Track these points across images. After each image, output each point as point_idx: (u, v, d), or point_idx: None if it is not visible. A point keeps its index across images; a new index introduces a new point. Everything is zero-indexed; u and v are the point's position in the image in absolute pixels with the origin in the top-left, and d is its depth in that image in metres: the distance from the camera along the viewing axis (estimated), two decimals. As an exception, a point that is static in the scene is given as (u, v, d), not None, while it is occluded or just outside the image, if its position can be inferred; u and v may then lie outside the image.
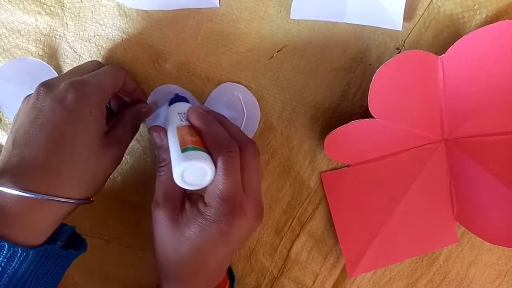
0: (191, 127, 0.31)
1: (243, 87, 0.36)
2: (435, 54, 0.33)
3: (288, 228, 0.40)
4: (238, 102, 0.36)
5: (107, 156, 0.30)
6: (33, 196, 0.26)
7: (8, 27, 0.35)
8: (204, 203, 0.29)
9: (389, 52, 0.35)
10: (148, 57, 0.35)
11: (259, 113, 0.37)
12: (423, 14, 0.34)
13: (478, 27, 0.33)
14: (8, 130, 0.38)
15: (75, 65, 0.36)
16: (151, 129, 0.32)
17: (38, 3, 0.34)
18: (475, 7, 0.34)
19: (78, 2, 0.34)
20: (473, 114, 0.35)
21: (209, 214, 0.28)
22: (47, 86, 0.28)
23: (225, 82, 0.36)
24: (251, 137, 0.37)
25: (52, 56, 0.35)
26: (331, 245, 0.41)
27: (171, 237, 0.29)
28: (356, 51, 0.36)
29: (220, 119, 0.31)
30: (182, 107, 0.33)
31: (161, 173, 0.31)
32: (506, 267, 0.43)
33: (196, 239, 0.29)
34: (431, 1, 0.34)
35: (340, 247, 0.40)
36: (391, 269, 0.43)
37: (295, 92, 0.37)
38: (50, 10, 0.34)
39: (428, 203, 0.40)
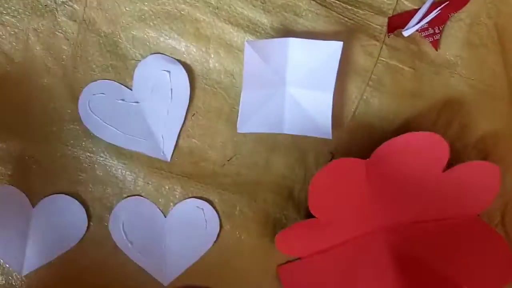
0: None
1: (206, 202, 0.41)
2: (364, 156, 0.39)
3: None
4: (200, 217, 0.40)
5: None
6: None
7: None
8: None
9: (325, 156, 0.41)
10: (114, 171, 0.39)
11: (219, 227, 0.41)
12: (349, 124, 0.41)
13: (394, 134, 0.39)
14: None
15: (41, 182, 0.38)
16: None
17: (10, 130, 0.38)
18: (390, 117, 0.40)
19: (47, 127, 0.38)
20: (399, 206, 0.40)
21: None
22: None
23: (183, 189, 0.40)
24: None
25: (21, 175, 0.38)
26: (291, 337, 0.43)
27: None
28: (296, 157, 0.41)
29: None
30: None
31: None
32: None
33: None
34: (354, 113, 0.40)
35: (300, 338, 0.42)
36: None
37: (247, 195, 0.41)
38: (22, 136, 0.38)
39: (378, 284, 0.44)
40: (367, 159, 0.38)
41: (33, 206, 0.39)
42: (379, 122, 0.40)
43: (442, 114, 0.40)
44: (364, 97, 0.39)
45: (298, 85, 0.39)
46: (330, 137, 0.40)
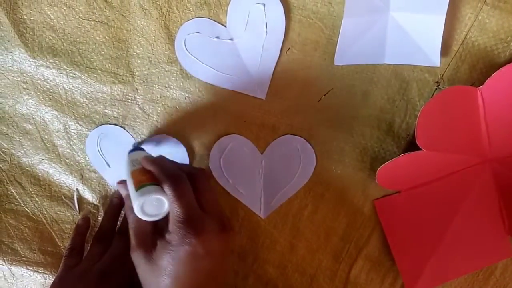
0: (144, 169, 0.33)
1: (302, 139, 0.40)
2: (472, 84, 0.36)
3: (346, 253, 0.43)
4: (296, 153, 0.41)
5: None
6: None
7: (88, 97, 0.40)
8: (169, 231, 0.31)
9: (429, 86, 0.38)
10: (209, 110, 0.40)
11: (315, 162, 0.41)
12: (458, 49, 0.37)
13: (511, 57, 0.35)
14: (90, 185, 0.42)
15: (144, 124, 0.40)
16: (117, 184, 0.36)
17: (112, 74, 0.39)
18: (508, 39, 0.36)
19: (146, 69, 0.39)
20: (515, 136, 0.37)
21: (174, 240, 0.30)
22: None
23: (279, 126, 0.40)
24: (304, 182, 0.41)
25: (125, 117, 0.40)
26: (388, 267, 0.44)
27: (150, 275, 0.31)
28: (397, 88, 0.39)
29: (171, 161, 0.34)
30: (137, 155, 0.36)
31: (130, 220, 0.33)
32: None
33: (171, 268, 0.30)
34: (465, 36, 0.37)
35: (398, 267, 0.43)
36: (448, 285, 0.44)
37: (344, 129, 0.40)
38: (123, 79, 0.39)
39: (480, 220, 0.42)
40: (481, 87, 0.35)
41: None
42: (494, 45, 0.36)
43: None
44: (479, 18, 0.35)
45: (404, 8, 0.35)
46: (438, 65, 0.37)
